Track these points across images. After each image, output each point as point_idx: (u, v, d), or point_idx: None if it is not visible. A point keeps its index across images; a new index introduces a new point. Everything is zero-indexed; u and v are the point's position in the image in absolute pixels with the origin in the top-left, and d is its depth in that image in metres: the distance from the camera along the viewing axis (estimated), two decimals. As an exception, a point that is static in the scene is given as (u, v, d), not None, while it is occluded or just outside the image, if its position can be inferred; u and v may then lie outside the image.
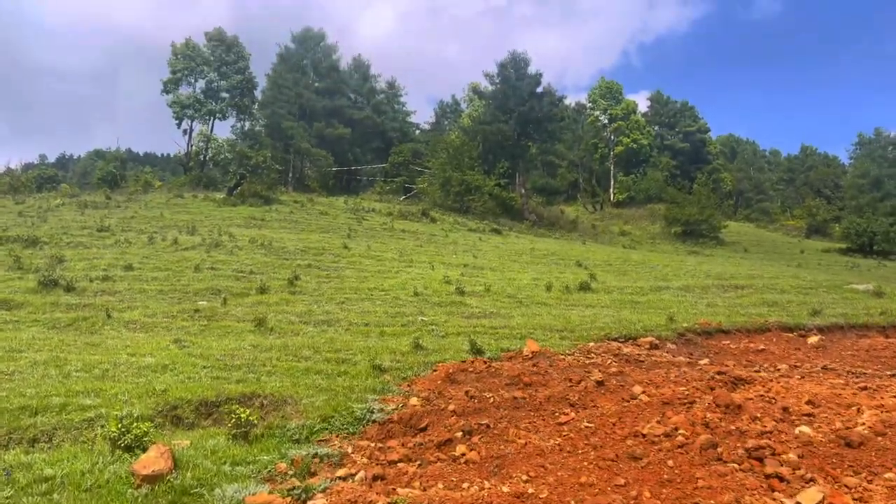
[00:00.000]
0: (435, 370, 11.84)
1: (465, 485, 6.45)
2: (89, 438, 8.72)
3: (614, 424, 7.67)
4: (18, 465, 7.51)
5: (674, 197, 76.19)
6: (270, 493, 6.58)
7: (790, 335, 17.87)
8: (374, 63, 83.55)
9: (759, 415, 7.10)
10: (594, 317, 19.10)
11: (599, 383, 9.73)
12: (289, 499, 6.43)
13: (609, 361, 12.05)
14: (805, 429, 6.57)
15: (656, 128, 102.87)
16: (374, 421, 9.12)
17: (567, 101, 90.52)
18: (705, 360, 13.03)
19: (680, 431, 6.76)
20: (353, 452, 7.94)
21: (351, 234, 38.18)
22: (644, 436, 6.92)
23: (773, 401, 7.49)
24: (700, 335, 17.22)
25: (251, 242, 30.13)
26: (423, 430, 8.73)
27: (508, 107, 64.39)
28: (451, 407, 9.09)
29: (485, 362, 12.31)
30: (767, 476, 5.83)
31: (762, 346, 16.18)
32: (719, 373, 10.19)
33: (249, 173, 47.97)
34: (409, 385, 11.12)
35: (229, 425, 8.55)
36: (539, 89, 66.04)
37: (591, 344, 15.31)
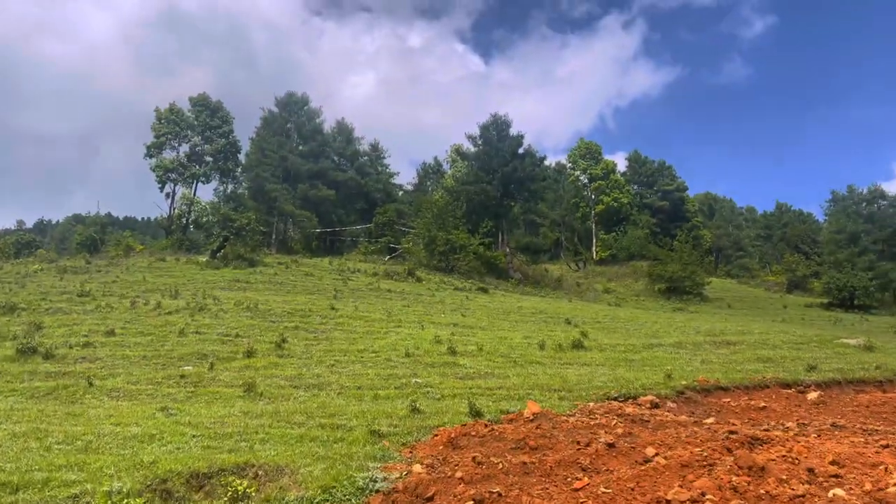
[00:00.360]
0: (436, 435, 11.39)
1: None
2: (74, 517, 8.16)
3: (633, 489, 7.30)
4: (-3, 550, 6.95)
5: (656, 254, 76.83)
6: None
7: (789, 391, 17.63)
8: (356, 127, 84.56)
9: (784, 477, 6.80)
10: (590, 375, 18.76)
11: (610, 445, 9.36)
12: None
13: (615, 422, 11.68)
14: (839, 491, 6.26)
15: (635, 187, 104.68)
16: (377, 491, 8.65)
17: (547, 162, 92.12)
18: (710, 419, 12.70)
19: (708, 497, 6.42)
20: (362, 528, 7.47)
21: (337, 294, 37.76)
22: (669, 502, 6.56)
23: (797, 461, 7.20)
24: (699, 393, 16.92)
25: (236, 305, 29.61)
26: (430, 499, 8.27)
27: (491, 167, 65.21)
28: (458, 474, 8.66)
29: (486, 425, 11.89)
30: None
31: (763, 404, 15.89)
32: (731, 433, 9.87)
33: (233, 235, 47.68)
34: (410, 451, 10.66)
35: (225, 499, 8.05)
36: (521, 150, 67.08)
37: (592, 404, 14.94)
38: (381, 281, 46.38)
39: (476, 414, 13.35)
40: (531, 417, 12.77)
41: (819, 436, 8.65)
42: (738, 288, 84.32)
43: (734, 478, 6.74)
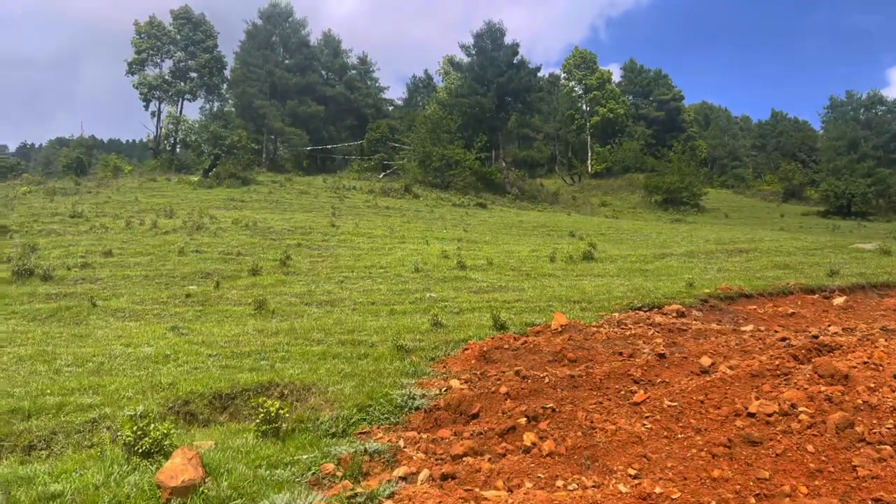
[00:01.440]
0: (466, 349, 10.86)
1: (560, 482, 5.51)
2: (96, 443, 7.60)
3: (703, 402, 6.77)
4: (17, 480, 6.37)
5: (653, 166, 75.80)
6: (329, 503, 5.56)
7: (814, 297, 17.19)
8: (343, 41, 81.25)
9: (872, 385, 6.27)
10: (608, 286, 18.26)
11: (661, 356, 8.83)
12: (352, 508, 5.42)
13: (651, 332, 11.17)
14: None
15: (630, 97, 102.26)
16: (416, 408, 8.13)
17: (540, 74, 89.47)
18: (749, 327, 12.22)
19: (801, 409, 5.89)
20: (405, 446, 6.94)
21: (335, 212, 36.90)
22: (754, 415, 6.03)
23: (880, 368, 6.68)
24: (723, 301, 16.45)
25: (235, 224, 28.76)
26: (476, 416, 7.76)
27: (486, 78, 63.06)
28: (503, 389, 8.13)
29: (516, 338, 11.37)
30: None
31: (791, 310, 15.47)
32: (783, 339, 9.36)
33: (225, 154, 46.22)
34: (443, 366, 10.13)
35: (257, 420, 7.48)
36: (516, 60, 64.77)
37: (617, 314, 14.45)
38: (378, 198, 45.46)
39: (501, 327, 12.82)
40: (559, 329, 12.25)
41: (887, 341, 8.11)
42: (734, 198, 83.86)
43: (823, 388, 6.18)
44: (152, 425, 6.63)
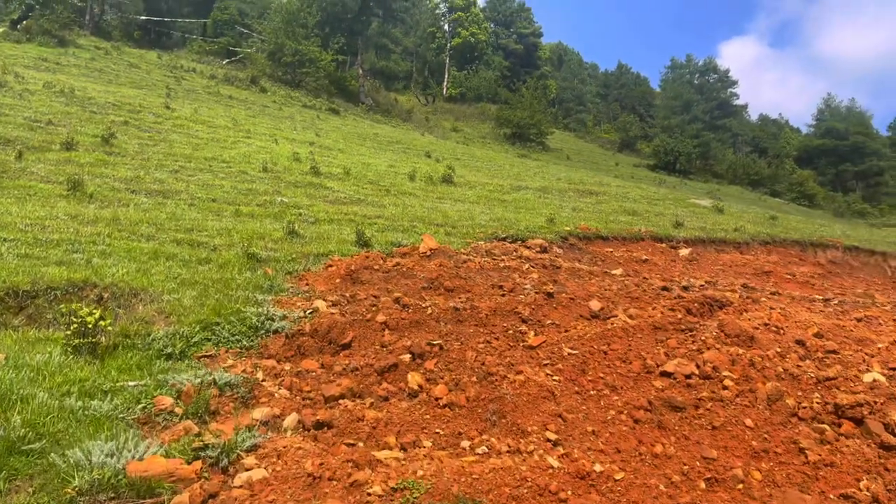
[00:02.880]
0: (330, 265, 9.56)
1: (465, 443, 4.58)
2: None
3: (606, 353, 6.13)
4: None
5: (507, 98, 76.23)
6: (168, 455, 4.19)
7: (662, 245, 17.66)
8: None
9: (779, 349, 5.94)
10: (470, 213, 17.57)
11: (549, 295, 8.13)
12: (199, 466, 4.11)
13: (527, 267, 10.53)
14: (877, 376, 5.48)
15: (492, 25, 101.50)
16: (276, 331, 6.81)
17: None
18: (619, 270, 12.01)
19: (725, 374, 5.38)
20: (264, 379, 5.65)
21: (170, 93, 32.88)
22: (670, 375, 5.45)
23: (781, 331, 6.41)
24: (581, 240, 16.36)
25: (46, 87, 24.48)
26: (347, 346, 6.61)
27: (352, -25, 58.95)
28: (380, 318, 7.01)
29: (384, 258, 10.25)
30: (887, 447, 4.66)
31: (645, 256, 15.68)
32: (663, 288, 9.06)
33: (39, 6, 39.38)
34: (304, 283, 8.79)
35: (68, 332, 5.79)
36: (386, -39, 61.08)
37: (483, 243, 13.75)
38: (221, 86, 41.38)
39: (365, 244, 11.60)
40: (428, 253, 11.28)
41: (773, 301, 7.97)
42: (575, 141, 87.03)
43: (739, 350, 5.70)
44: None
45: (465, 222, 16.02)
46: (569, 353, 6.18)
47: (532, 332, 6.90)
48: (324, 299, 7.83)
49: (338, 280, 8.99)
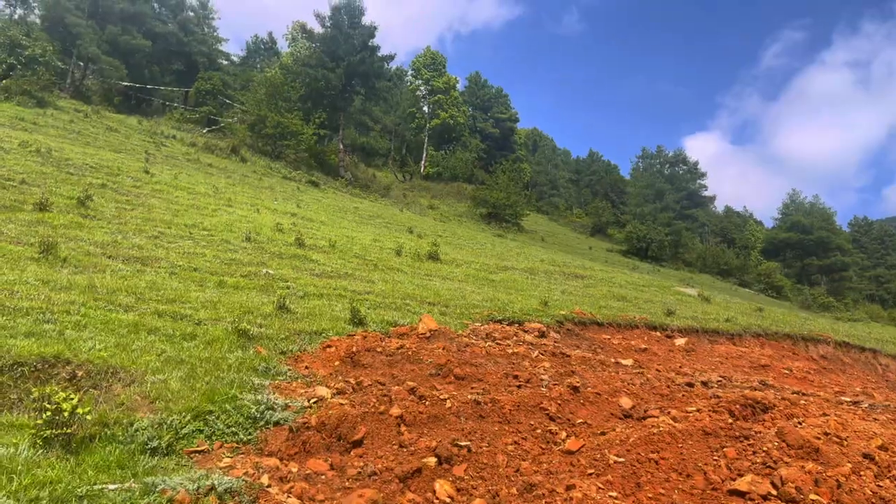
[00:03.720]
0: (328, 346, 8.78)
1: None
2: None
3: (658, 463, 5.42)
4: None
5: (483, 179, 77.23)
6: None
7: (657, 334, 17.15)
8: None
9: (850, 465, 5.30)
10: (461, 292, 16.95)
11: (574, 389, 7.43)
12: None
13: (536, 354, 9.85)
14: None
15: (470, 109, 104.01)
16: (276, 423, 5.97)
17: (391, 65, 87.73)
18: (629, 361, 11.38)
19: (812, 498, 4.69)
20: (269, 484, 4.80)
21: (149, 158, 32.32)
22: (744, 495, 4.76)
23: (843, 442, 5.79)
24: (577, 325, 15.78)
25: (22, 146, 23.74)
26: (359, 444, 5.80)
27: (338, 54, 59.94)
28: (395, 411, 6.23)
29: (382, 339, 9.51)
30: None
31: (643, 346, 15.12)
32: (688, 384, 8.44)
33: (21, 66, 39.02)
34: (302, 366, 7.98)
35: (40, 421, 4.92)
36: (371, 42, 62.48)
37: (480, 325, 13.09)
38: (201, 153, 41.02)
39: (359, 322, 10.85)
40: (427, 335, 10.56)
41: (814, 406, 7.38)
42: (549, 224, 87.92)
43: (808, 465, 5.05)
44: None
45: (457, 301, 15.38)
46: (615, 462, 5.45)
47: (563, 433, 6.18)
48: (326, 385, 7.03)
49: (337, 363, 8.20)
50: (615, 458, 5.54)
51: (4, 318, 7.99)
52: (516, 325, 14.15)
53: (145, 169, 26.94)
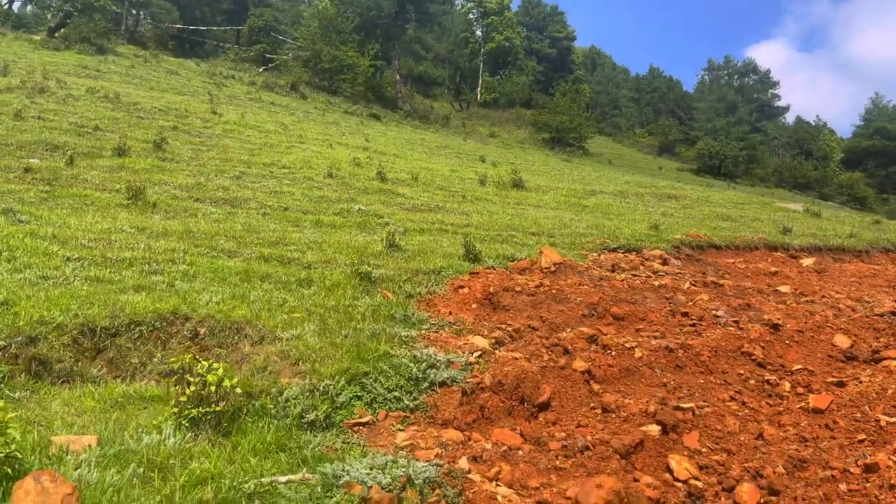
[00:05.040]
0: (460, 286, 7.78)
1: None
2: None
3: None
4: None
5: (544, 102, 74.35)
6: None
7: (780, 255, 15.65)
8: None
9: None
10: (560, 220, 15.73)
11: (774, 328, 6.27)
12: None
13: (687, 285, 8.66)
14: None
15: (524, 30, 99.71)
16: (441, 384, 5.00)
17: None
18: (786, 288, 10.09)
19: None
20: (468, 469, 3.85)
21: (213, 99, 31.53)
22: None
23: None
24: (694, 249, 14.42)
25: (90, 93, 23.19)
26: (545, 407, 4.83)
27: (389, -22, 57.51)
28: (579, 364, 5.22)
29: (507, 276, 8.44)
30: None
31: (773, 268, 13.69)
32: (892, 312, 7.15)
33: (78, 13, 38.43)
34: (438, 310, 7.01)
35: (184, 397, 4.06)
36: (423, -36, 59.62)
37: (600, 255, 11.91)
38: (262, 92, 40.11)
39: (474, 258, 9.79)
40: (552, 268, 9.44)
41: None
42: (613, 145, 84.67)
43: None
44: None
45: (561, 230, 14.19)
46: (889, 423, 4.32)
47: (786, 383, 5.07)
48: (480, 334, 6.05)
49: (474, 305, 7.21)
50: (886, 417, 4.41)
51: (109, 270, 7.24)
52: (634, 252, 12.92)
53: (212, 110, 26.19)
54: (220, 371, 4.11)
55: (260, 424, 4.30)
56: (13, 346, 5.08)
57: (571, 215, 16.91)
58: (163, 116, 22.11)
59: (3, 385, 4.62)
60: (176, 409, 4.07)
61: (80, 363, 5.36)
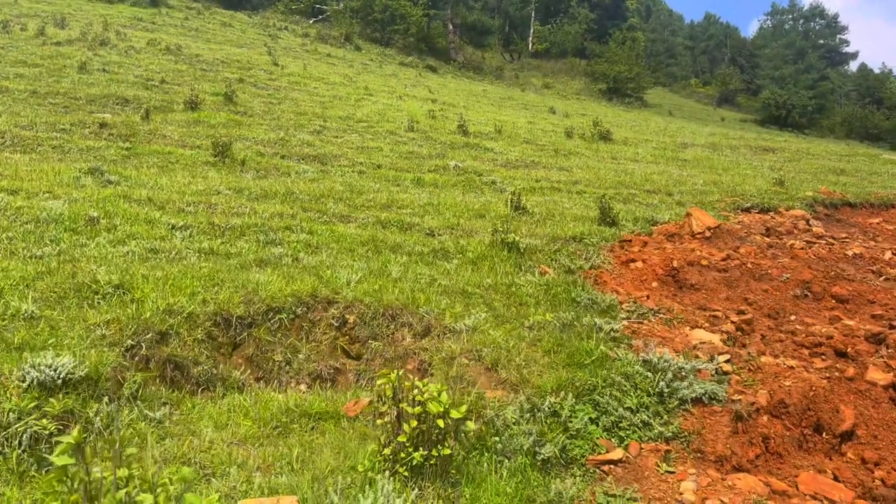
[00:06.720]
0: (629, 259, 6.52)
1: None
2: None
3: None
4: None
5: (599, 52, 71.27)
6: None
7: (920, 215, 13.91)
8: None
9: None
10: (670, 176, 14.25)
11: None
12: None
13: (888, 255, 7.25)
14: None
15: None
16: (694, 401, 3.78)
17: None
18: None
19: None
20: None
21: (271, 51, 30.31)
22: None
23: None
24: (829, 208, 12.85)
25: (150, 45, 22.19)
26: (849, 436, 3.57)
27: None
28: (876, 376, 3.95)
29: (689, 246, 7.13)
30: None
31: (924, 230, 12.03)
32: None
33: (128, -37, 37.31)
34: (612, 289, 5.77)
35: (403, 437, 2.92)
36: None
37: (743, 216, 10.50)
38: (317, 44, 38.78)
39: (612, 222, 8.48)
40: (707, 234, 8.09)
41: None
42: (670, 96, 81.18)
43: None
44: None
45: (679, 188, 12.74)
46: None
47: None
48: (699, 326, 4.82)
49: (654, 284, 5.96)
50: None
51: (221, 241, 6.17)
52: (771, 212, 11.45)
53: (274, 62, 25.04)
54: (444, 398, 2.97)
55: (488, 465, 3.17)
56: (143, 345, 4.02)
57: (678, 170, 15.37)
58: (226, 68, 21.03)
59: (139, 400, 3.58)
60: (382, 455, 2.95)
61: (218, 364, 4.31)
